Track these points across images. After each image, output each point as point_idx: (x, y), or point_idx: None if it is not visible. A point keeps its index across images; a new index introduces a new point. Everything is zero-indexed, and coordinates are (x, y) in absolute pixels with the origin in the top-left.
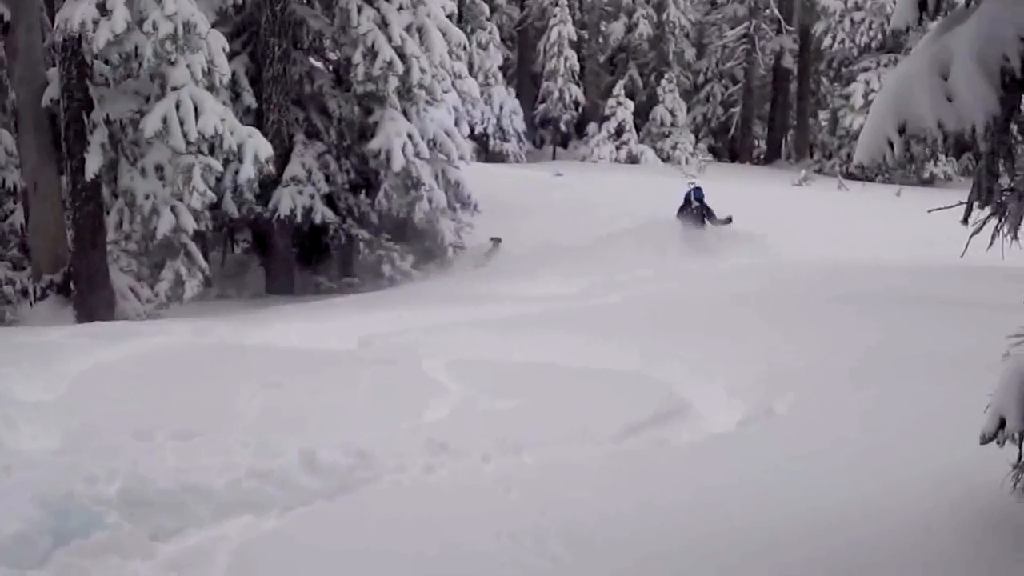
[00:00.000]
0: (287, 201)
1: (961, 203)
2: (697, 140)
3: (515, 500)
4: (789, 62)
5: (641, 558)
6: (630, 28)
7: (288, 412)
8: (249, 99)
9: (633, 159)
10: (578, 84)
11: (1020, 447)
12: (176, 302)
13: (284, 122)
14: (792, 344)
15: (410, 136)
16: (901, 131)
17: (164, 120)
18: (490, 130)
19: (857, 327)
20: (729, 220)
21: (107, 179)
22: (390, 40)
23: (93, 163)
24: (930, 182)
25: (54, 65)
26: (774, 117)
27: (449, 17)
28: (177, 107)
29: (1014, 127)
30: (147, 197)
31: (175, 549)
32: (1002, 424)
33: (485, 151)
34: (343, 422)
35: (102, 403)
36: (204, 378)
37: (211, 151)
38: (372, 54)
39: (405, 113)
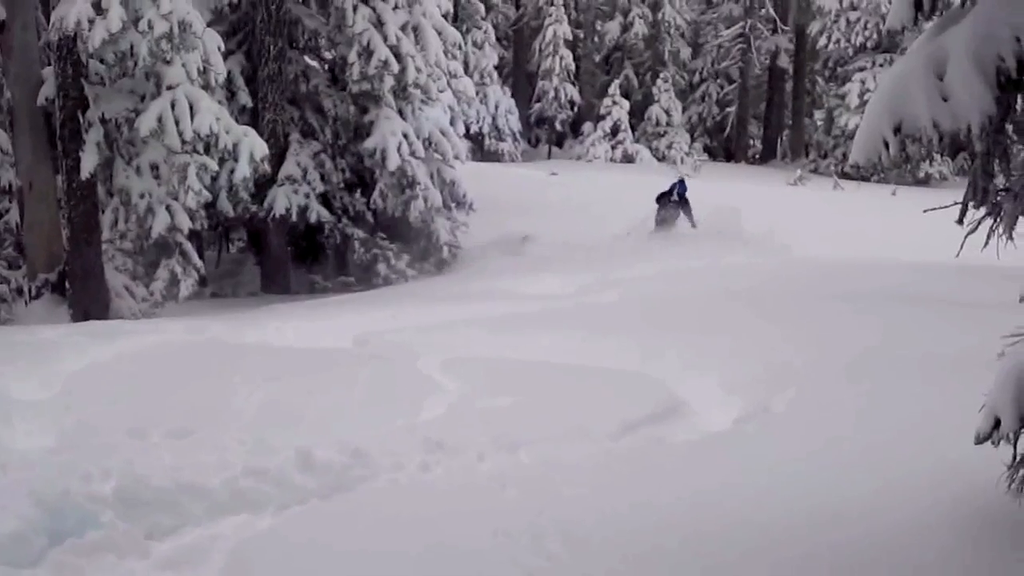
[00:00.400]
0: (282, 200)
1: (956, 203)
2: (693, 139)
3: (511, 498)
4: (785, 62)
5: (638, 556)
6: (626, 27)
7: (284, 410)
8: (244, 98)
9: (628, 158)
10: (573, 83)
11: (1015, 447)
12: (171, 301)
13: (279, 121)
14: (789, 342)
15: (405, 135)
16: (897, 131)
17: (159, 119)
18: (485, 129)
19: (854, 325)
20: (694, 226)
21: (102, 178)
22: (385, 39)
23: (88, 162)
24: (925, 182)
25: (49, 64)
26: (770, 117)
27: (445, 16)
28: (172, 106)
29: (1010, 127)
30: (142, 196)
31: (170, 548)
32: (997, 424)
33: (480, 150)
34: (339, 420)
35: (97, 402)
36: (199, 377)
37: (206, 150)
38: (367, 53)
39: (400, 112)
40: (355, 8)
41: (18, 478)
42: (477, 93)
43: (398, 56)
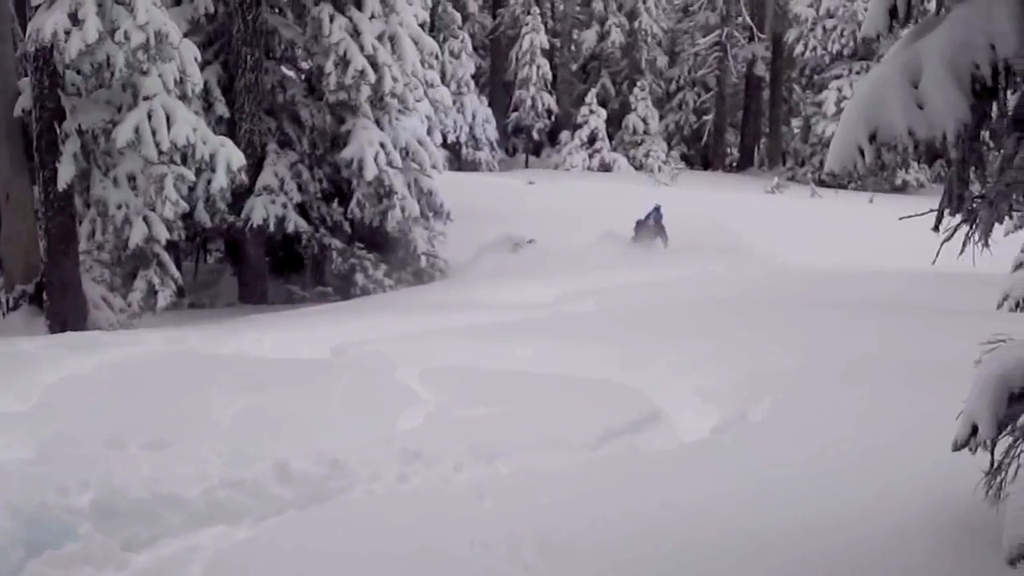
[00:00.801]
0: (260, 210)
1: (932, 210)
2: (670, 148)
3: (488, 508)
4: (761, 70)
5: (615, 565)
6: (602, 36)
7: (262, 422)
8: (221, 108)
9: (606, 167)
10: (550, 92)
11: (992, 454)
12: (149, 312)
13: (256, 131)
14: (771, 351)
15: (382, 145)
16: (872, 139)
17: (136, 130)
18: (463, 139)
19: (840, 334)
20: (666, 246)
21: (79, 189)
22: (362, 49)
23: (65, 173)
24: (902, 189)
25: (26, 75)
26: (746, 125)
27: (421, 26)
28: (149, 117)
29: (985, 134)
30: (119, 207)
31: (148, 559)
32: (974, 431)
33: (458, 160)
34: (317, 431)
35: (75, 413)
36: (177, 388)
37: (183, 161)
38: (344, 63)
39: (377, 122)
40: (332, 18)
41: None
42: (454, 102)
43: (375, 66)
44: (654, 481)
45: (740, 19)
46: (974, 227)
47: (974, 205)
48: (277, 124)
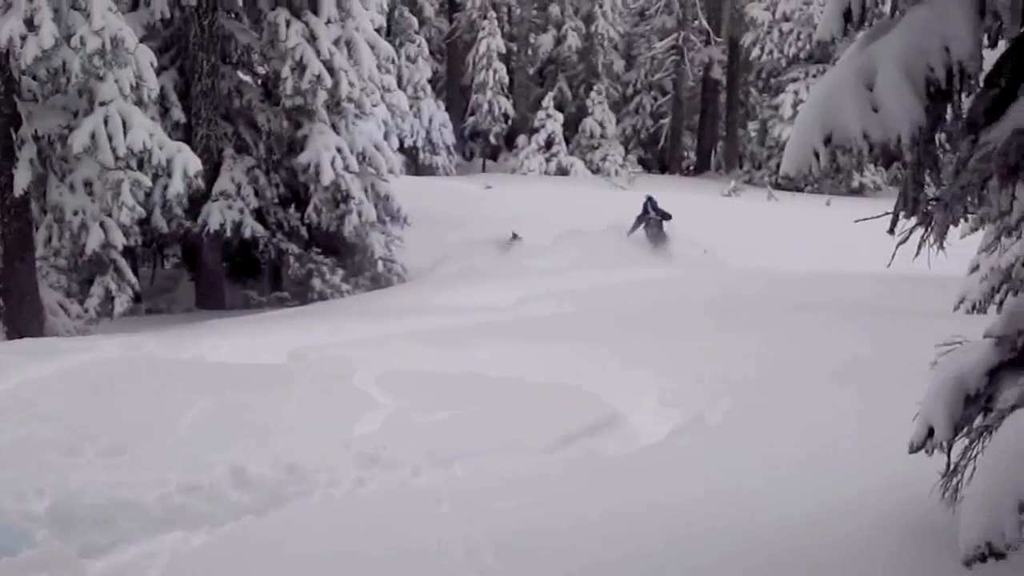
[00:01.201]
0: (216, 216)
1: (888, 213)
2: (627, 152)
3: (446, 512)
4: (718, 73)
5: (572, 570)
6: (559, 40)
7: (219, 427)
8: (178, 114)
9: (563, 171)
10: (507, 96)
11: (949, 456)
12: (106, 318)
13: (213, 136)
14: (734, 354)
15: (339, 150)
16: (827, 142)
17: (92, 135)
18: (419, 143)
19: (799, 335)
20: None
21: (36, 195)
22: (319, 54)
23: (21, 179)
24: (859, 192)
25: None
26: (703, 128)
27: (378, 30)
28: (105, 122)
29: (940, 137)
30: (76, 213)
31: (105, 566)
32: (931, 433)
33: (415, 164)
34: (274, 436)
35: (31, 420)
36: (134, 394)
37: (140, 166)
38: (301, 68)
39: (334, 127)
40: (288, 23)
41: None
42: (411, 107)
43: (331, 71)
44: (610, 485)
45: (696, 23)
46: (929, 230)
47: (929, 208)
48: (234, 129)
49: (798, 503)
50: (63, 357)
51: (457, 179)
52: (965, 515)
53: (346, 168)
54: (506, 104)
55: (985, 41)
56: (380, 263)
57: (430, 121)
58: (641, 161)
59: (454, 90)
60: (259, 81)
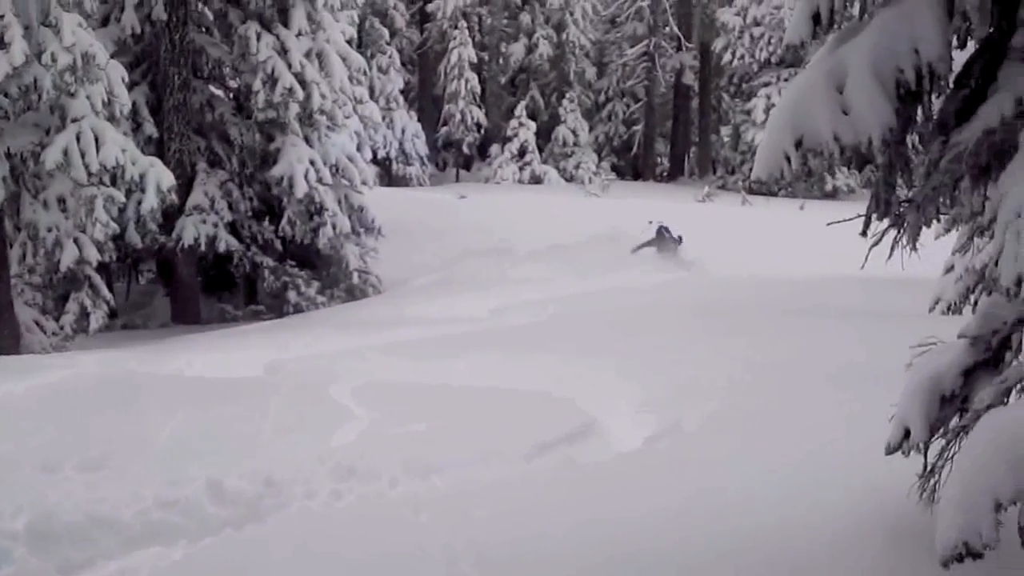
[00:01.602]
0: (190, 230)
1: (860, 215)
2: (600, 159)
3: (424, 523)
4: (690, 79)
5: None
6: (530, 49)
7: (195, 441)
8: (150, 129)
9: (536, 179)
10: (480, 106)
11: (925, 457)
12: (82, 334)
13: (186, 151)
14: (711, 359)
15: (312, 162)
16: (798, 145)
17: (65, 152)
18: (393, 154)
19: (781, 340)
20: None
21: (9, 212)
22: (290, 67)
23: None
24: (833, 195)
25: None
26: (676, 134)
27: (349, 42)
28: (78, 139)
29: (910, 139)
30: (50, 230)
31: None
32: (907, 434)
33: (388, 175)
34: (251, 450)
35: (8, 437)
36: (111, 409)
37: (113, 182)
38: (272, 81)
39: (307, 139)
40: (259, 36)
41: None
42: (383, 118)
43: (303, 83)
44: (588, 492)
45: (667, 29)
46: (902, 231)
47: (901, 209)
48: (206, 143)
49: (775, 507)
50: (39, 374)
51: (431, 189)
52: (942, 516)
53: (319, 180)
54: (479, 113)
55: (954, 42)
56: (355, 275)
57: (403, 132)
58: (614, 168)
59: (426, 100)
60: (231, 95)
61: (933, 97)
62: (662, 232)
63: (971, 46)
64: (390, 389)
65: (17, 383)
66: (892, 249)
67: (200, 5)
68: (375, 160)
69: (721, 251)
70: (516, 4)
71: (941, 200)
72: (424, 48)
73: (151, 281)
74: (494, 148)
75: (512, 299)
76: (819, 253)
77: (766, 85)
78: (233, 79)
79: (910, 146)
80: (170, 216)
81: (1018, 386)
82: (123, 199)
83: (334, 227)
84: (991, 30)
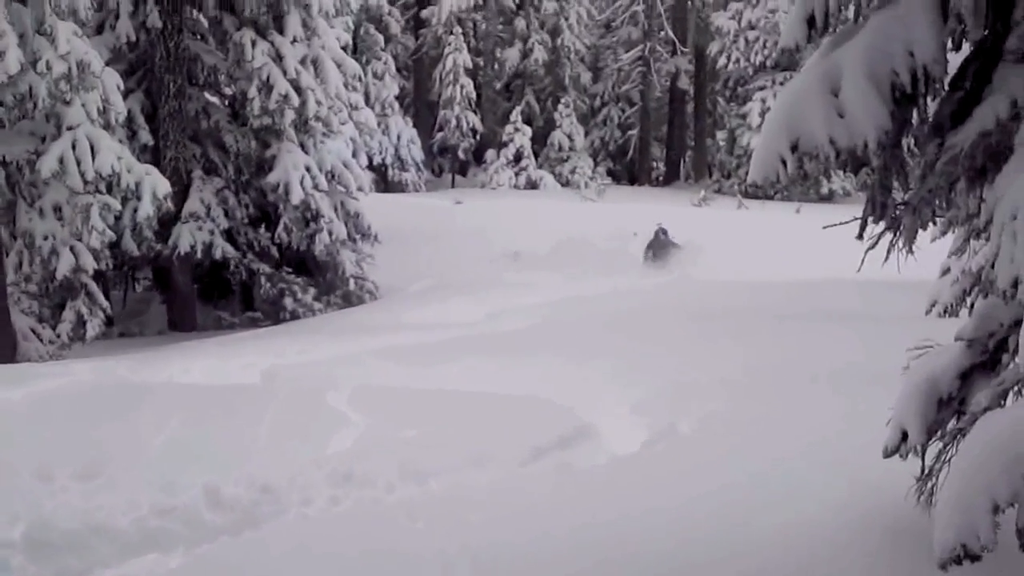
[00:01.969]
0: (187, 237)
1: (856, 218)
2: (596, 164)
3: (420, 528)
4: (685, 83)
5: None
6: (525, 54)
7: (192, 448)
8: (146, 136)
9: (532, 184)
10: (475, 111)
11: (923, 459)
12: (78, 342)
13: (181, 158)
14: (705, 362)
15: (308, 169)
16: (794, 148)
17: (61, 160)
18: (388, 160)
19: (775, 344)
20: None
21: (5, 221)
22: (285, 73)
23: None
24: (829, 198)
25: None
26: (672, 138)
27: (344, 48)
28: (73, 147)
29: (906, 141)
30: (46, 238)
31: None
32: (904, 437)
33: (384, 181)
34: (247, 457)
35: (4, 445)
36: (107, 417)
37: (109, 190)
38: (267, 88)
39: (302, 146)
40: (254, 43)
41: None
42: (379, 124)
43: (298, 90)
44: (584, 496)
45: (662, 33)
46: (898, 234)
47: (897, 212)
48: (202, 150)
49: (773, 510)
50: (35, 382)
51: (427, 195)
52: (940, 518)
53: (315, 187)
54: (474, 119)
55: (949, 44)
56: (351, 281)
57: (398, 138)
58: (610, 173)
59: (422, 106)
60: (226, 102)
61: (928, 99)
62: (659, 235)
63: (966, 48)
64: (386, 394)
65: (13, 391)
66: (888, 252)
67: (195, 12)
68: (371, 166)
69: (717, 255)
70: (511, 9)
71: (937, 203)
72: (419, 54)
73: (147, 289)
74: (490, 153)
75: (508, 303)
76: (815, 256)
77: (761, 89)
78: (228, 86)
79: (905, 149)
80: (166, 223)
81: (1015, 388)
82: (119, 207)
83: (330, 233)
84: (986, 32)
